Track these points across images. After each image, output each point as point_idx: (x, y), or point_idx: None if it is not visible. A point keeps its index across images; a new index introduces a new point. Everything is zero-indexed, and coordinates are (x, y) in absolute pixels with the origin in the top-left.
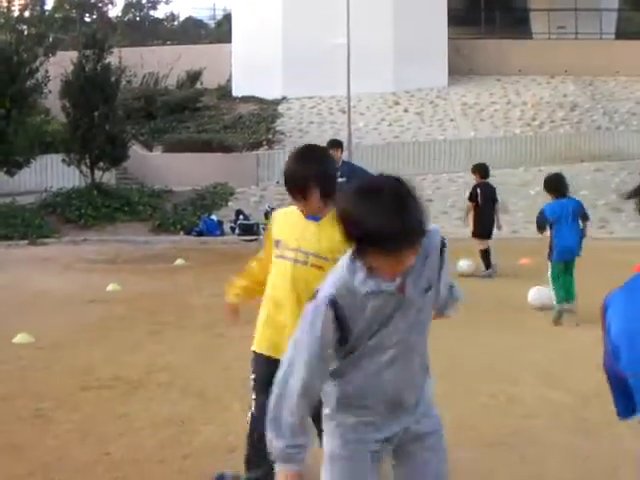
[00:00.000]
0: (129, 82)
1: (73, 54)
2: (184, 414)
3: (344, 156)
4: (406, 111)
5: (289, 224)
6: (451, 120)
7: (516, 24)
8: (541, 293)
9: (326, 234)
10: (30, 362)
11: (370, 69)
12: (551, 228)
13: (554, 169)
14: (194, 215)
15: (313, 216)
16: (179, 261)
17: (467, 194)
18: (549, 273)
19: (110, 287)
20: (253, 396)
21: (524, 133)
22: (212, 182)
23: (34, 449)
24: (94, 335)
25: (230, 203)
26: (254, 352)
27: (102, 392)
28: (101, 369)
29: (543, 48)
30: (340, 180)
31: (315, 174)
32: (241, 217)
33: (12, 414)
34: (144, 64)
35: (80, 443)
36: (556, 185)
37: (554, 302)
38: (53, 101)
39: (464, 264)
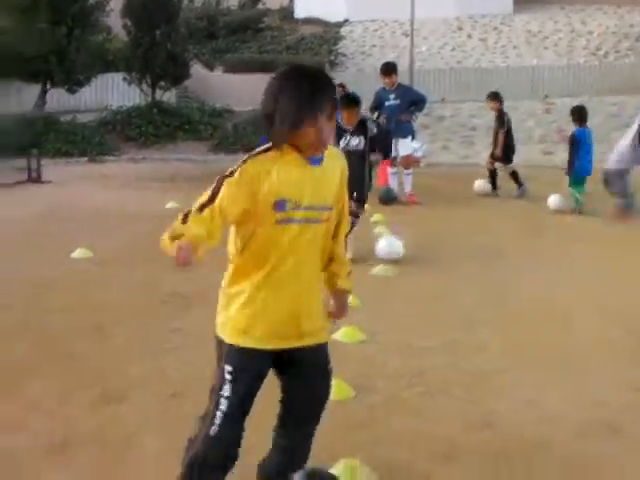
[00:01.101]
0: (191, 1)
1: None
2: None
3: (404, 80)
4: (469, 37)
5: (291, 175)
6: (514, 47)
7: None
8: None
9: (331, 178)
10: (89, 276)
11: None
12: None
13: (617, 99)
14: (254, 135)
15: (315, 159)
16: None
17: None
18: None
19: (170, 204)
20: (212, 406)
21: (588, 62)
22: None
23: (91, 361)
24: (151, 252)
25: None
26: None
27: (158, 307)
28: (160, 285)
29: None
30: (394, 102)
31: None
32: None
33: (71, 326)
34: None
35: (135, 357)
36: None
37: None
38: (114, 19)
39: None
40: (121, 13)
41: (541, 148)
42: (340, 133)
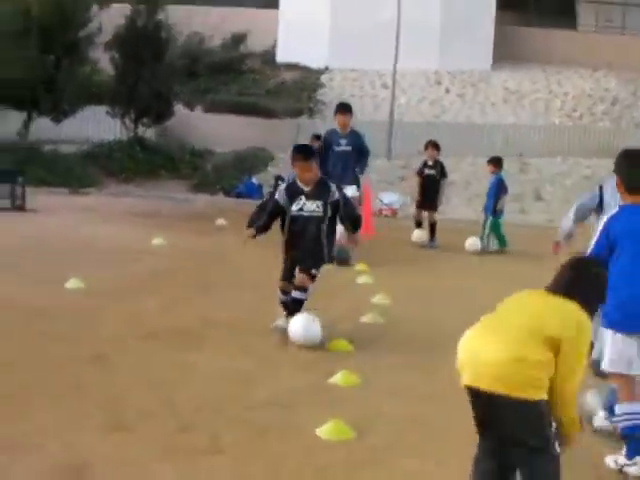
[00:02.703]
0: (174, 40)
1: (125, 7)
2: (243, 369)
3: (382, 132)
4: (447, 92)
5: None
6: (492, 104)
7: (563, 14)
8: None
9: None
10: (85, 308)
11: (415, 46)
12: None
13: (591, 162)
14: (234, 177)
15: None
16: (220, 221)
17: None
18: None
19: (156, 241)
20: None
21: (563, 123)
22: (252, 145)
23: (98, 391)
24: (145, 286)
25: (269, 168)
26: None
27: (156, 341)
28: (155, 319)
29: (588, 40)
30: (345, 148)
31: None
32: (280, 182)
33: (73, 356)
34: (190, 23)
35: (143, 388)
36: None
37: None
38: (101, 53)
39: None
40: (108, 47)
41: (516, 207)
42: (293, 193)
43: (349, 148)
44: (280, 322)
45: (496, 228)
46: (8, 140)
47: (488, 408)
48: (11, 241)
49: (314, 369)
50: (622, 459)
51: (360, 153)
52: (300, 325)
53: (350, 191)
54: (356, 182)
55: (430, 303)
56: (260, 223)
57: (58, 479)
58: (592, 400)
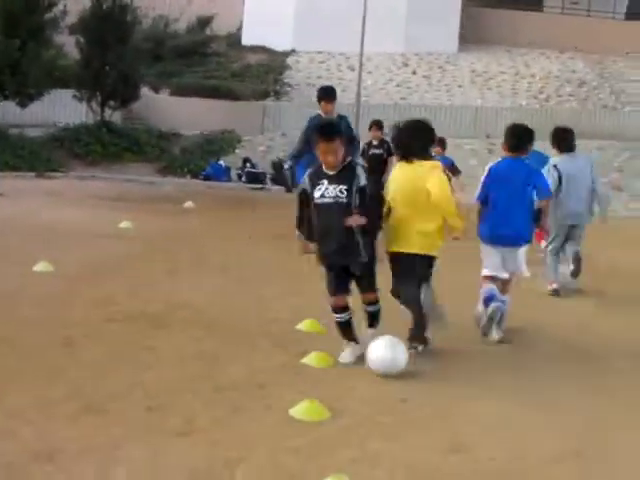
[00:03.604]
0: (140, 23)
1: None
2: (210, 350)
3: (350, 115)
4: (414, 73)
5: None
6: (459, 86)
7: None
8: None
9: None
10: (53, 290)
11: (381, 29)
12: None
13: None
14: (201, 159)
15: None
16: (188, 203)
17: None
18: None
19: (123, 224)
20: None
21: (530, 105)
22: (219, 128)
23: (68, 374)
24: (113, 269)
25: (237, 151)
26: None
27: (127, 324)
28: (124, 302)
29: (555, 22)
30: None
31: None
32: (248, 165)
33: (42, 340)
34: (155, 6)
35: (112, 371)
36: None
37: None
38: (66, 36)
39: None
40: (70, 30)
41: None
42: (316, 178)
43: None
44: (346, 355)
45: None
46: None
47: None
48: None
49: (287, 350)
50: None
51: (350, 142)
52: (384, 352)
53: None
54: None
55: None
56: (306, 232)
57: (30, 464)
58: None
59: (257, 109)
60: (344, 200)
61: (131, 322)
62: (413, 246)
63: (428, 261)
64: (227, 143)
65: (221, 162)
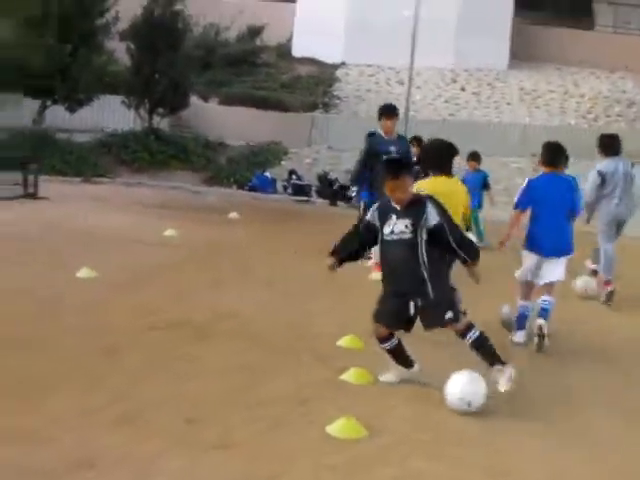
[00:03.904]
0: (191, 31)
1: None
2: (251, 363)
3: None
4: (463, 90)
5: None
6: (508, 104)
7: (580, 14)
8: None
9: None
10: (96, 297)
11: (431, 43)
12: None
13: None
14: (247, 170)
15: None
16: (233, 214)
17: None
18: None
19: (168, 232)
20: None
21: (578, 125)
22: (266, 139)
23: (108, 382)
24: (157, 277)
25: (283, 162)
26: None
27: (169, 333)
28: (167, 311)
29: (606, 41)
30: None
31: None
32: (294, 177)
33: (84, 347)
34: (206, 14)
35: (152, 380)
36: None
37: None
38: (117, 43)
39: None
40: (121, 36)
41: None
42: (385, 212)
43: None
44: (390, 376)
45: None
46: (23, 128)
47: None
48: (23, 229)
49: (326, 366)
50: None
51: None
52: (465, 387)
53: None
54: None
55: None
56: (346, 253)
57: (70, 472)
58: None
59: (305, 121)
60: (408, 236)
61: (174, 331)
62: None
63: None
64: (273, 154)
65: (267, 173)
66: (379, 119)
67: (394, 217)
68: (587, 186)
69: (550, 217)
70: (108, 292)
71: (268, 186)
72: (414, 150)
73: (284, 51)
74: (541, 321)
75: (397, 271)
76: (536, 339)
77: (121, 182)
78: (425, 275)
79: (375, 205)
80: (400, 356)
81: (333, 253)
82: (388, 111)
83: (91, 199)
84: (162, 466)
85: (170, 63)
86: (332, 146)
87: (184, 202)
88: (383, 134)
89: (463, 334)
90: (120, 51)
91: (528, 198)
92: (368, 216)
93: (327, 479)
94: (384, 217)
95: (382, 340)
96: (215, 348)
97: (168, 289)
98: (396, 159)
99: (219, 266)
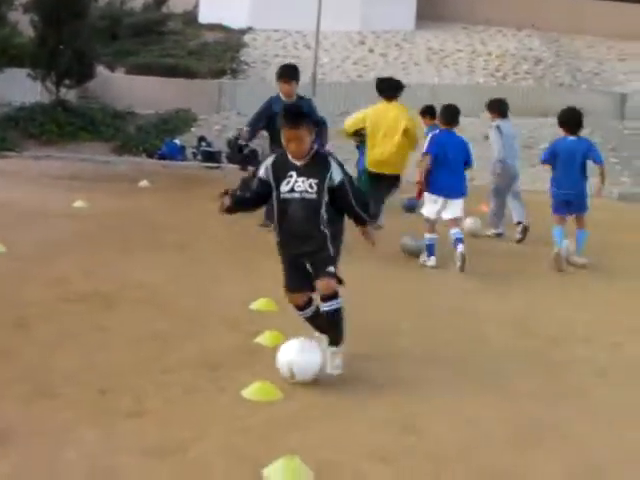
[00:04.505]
0: (95, 1)
1: None
2: (162, 331)
3: (307, 92)
4: (371, 51)
5: None
6: (415, 64)
7: None
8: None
9: None
10: (5, 271)
11: (338, 6)
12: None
13: (515, 121)
14: (157, 138)
15: None
16: (143, 182)
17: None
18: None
19: (77, 203)
20: None
21: (487, 83)
22: (175, 107)
23: (20, 355)
24: (66, 249)
25: (192, 129)
26: None
27: (80, 305)
28: (77, 283)
29: (512, 0)
30: None
31: None
32: (203, 144)
33: None
34: None
35: (64, 352)
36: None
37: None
38: (19, 14)
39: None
40: (24, 7)
41: None
42: (281, 168)
43: None
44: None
45: None
46: None
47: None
48: None
49: (239, 330)
50: (423, 258)
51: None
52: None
53: None
54: None
55: (362, 268)
56: (241, 195)
57: None
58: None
59: (213, 87)
60: (313, 196)
61: (84, 302)
62: None
63: None
64: (183, 122)
65: (176, 141)
66: (277, 81)
67: (294, 174)
68: (496, 145)
69: (450, 165)
70: (18, 266)
71: (177, 153)
72: (424, 122)
73: (190, 18)
74: (460, 247)
75: (298, 232)
76: (459, 263)
77: (29, 156)
78: (327, 235)
79: (268, 160)
80: (318, 324)
81: (226, 193)
82: (286, 74)
83: None
84: (77, 437)
85: (75, 34)
86: (241, 112)
87: (94, 173)
88: (283, 98)
89: (328, 297)
90: (24, 23)
91: (435, 147)
92: (260, 172)
93: (240, 442)
94: (281, 174)
95: (299, 308)
96: (126, 317)
97: (78, 260)
98: (295, 106)
99: (129, 235)
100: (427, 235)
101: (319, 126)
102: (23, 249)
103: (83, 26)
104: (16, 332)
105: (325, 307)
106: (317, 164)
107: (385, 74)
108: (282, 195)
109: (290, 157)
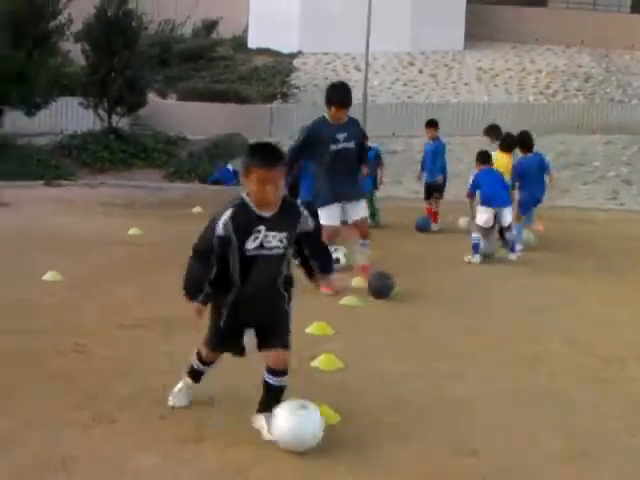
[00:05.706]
0: (145, 28)
1: None
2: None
3: (357, 115)
4: (421, 72)
5: None
6: (465, 84)
7: None
8: None
9: None
10: (63, 299)
11: (387, 28)
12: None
13: (565, 138)
14: (209, 163)
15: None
16: (197, 208)
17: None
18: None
19: (132, 230)
20: None
21: (537, 101)
22: (225, 132)
23: (78, 382)
24: (123, 276)
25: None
26: None
27: (139, 331)
28: (135, 309)
29: (560, 17)
30: (345, 145)
31: None
32: None
33: (52, 348)
34: (160, 11)
35: (123, 378)
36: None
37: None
38: (72, 44)
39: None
40: (75, 37)
41: None
42: (246, 222)
43: (351, 144)
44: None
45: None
46: None
47: None
48: None
49: (295, 353)
50: (468, 256)
51: (361, 150)
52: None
53: (362, 210)
54: (365, 196)
55: (410, 282)
56: (206, 291)
57: (41, 473)
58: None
59: (264, 112)
60: (280, 251)
61: (143, 328)
62: None
63: None
64: (234, 147)
65: (229, 166)
66: (327, 105)
67: (262, 229)
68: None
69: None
70: (75, 294)
71: (230, 178)
72: (491, 140)
73: (240, 43)
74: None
75: (258, 294)
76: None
77: (83, 184)
78: (286, 298)
79: (226, 214)
80: (199, 378)
81: (189, 296)
82: (339, 99)
83: (53, 202)
84: (136, 463)
85: (125, 62)
86: (292, 136)
87: (147, 200)
88: (330, 120)
89: (280, 372)
90: (75, 52)
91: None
92: (218, 230)
93: (299, 463)
94: (245, 229)
95: (206, 364)
96: (185, 343)
97: (134, 288)
98: (269, 144)
99: (184, 261)
100: (474, 234)
101: (364, 151)
102: (80, 277)
103: (134, 54)
104: (75, 358)
105: (273, 382)
106: (287, 213)
107: (435, 95)
108: (248, 252)
109: (254, 207)
